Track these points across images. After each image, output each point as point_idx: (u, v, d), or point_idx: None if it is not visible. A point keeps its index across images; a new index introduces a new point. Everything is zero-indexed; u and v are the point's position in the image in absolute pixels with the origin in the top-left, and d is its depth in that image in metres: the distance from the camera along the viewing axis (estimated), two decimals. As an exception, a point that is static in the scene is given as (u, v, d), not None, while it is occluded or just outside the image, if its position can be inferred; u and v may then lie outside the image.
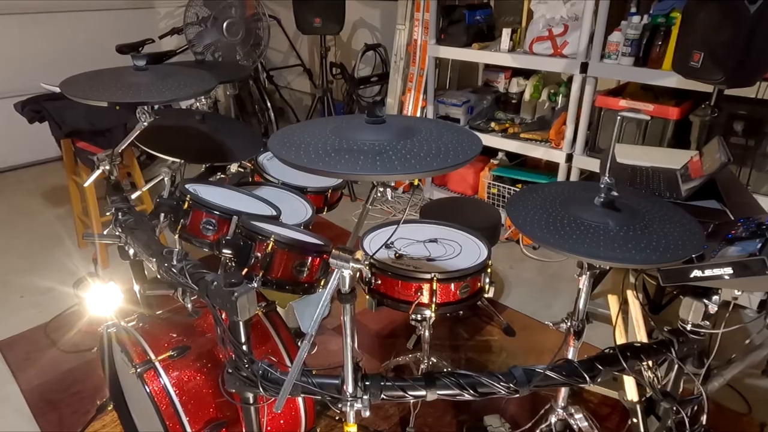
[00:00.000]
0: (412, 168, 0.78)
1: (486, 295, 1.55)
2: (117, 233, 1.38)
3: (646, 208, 1.07)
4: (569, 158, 2.64)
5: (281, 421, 1.38)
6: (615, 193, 1.01)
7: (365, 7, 4.01)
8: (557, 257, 2.70)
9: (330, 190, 1.87)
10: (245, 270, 1.19)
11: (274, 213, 1.49)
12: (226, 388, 1.11)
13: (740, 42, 1.63)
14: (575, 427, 1.31)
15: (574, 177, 2.66)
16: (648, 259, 0.90)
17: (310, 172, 0.78)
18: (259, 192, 1.81)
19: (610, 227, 0.99)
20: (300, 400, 1.41)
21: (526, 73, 3.08)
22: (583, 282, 1.10)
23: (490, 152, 3.21)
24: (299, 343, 1.68)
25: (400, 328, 2.19)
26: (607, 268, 1.92)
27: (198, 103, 2.05)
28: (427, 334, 1.74)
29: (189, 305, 1.14)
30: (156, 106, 1.34)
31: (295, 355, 1.44)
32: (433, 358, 1.81)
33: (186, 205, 1.33)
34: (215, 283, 1.02)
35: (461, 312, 2.24)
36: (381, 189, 0.97)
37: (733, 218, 1.39)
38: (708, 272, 1.07)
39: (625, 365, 1.07)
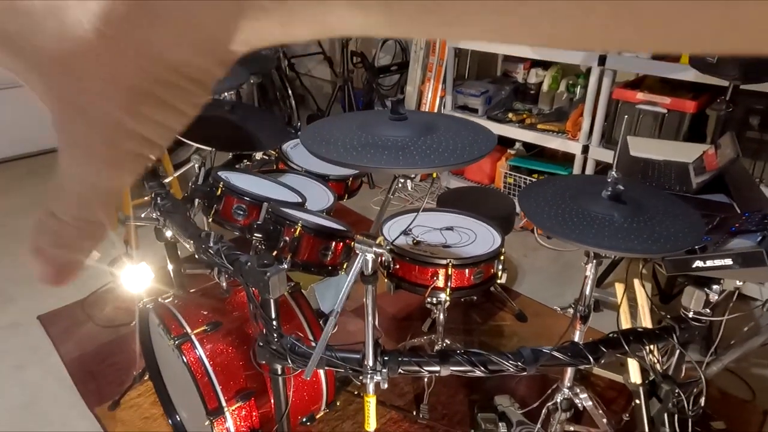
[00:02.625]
0: (431, 162, 0.86)
1: (499, 282, 1.63)
2: (155, 216, 1.48)
3: (651, 202, 1.14)
4: (585, 150, 2.68)
5: (304, 394, 1.49)
6: (621, 187, 1.07)
7: (386, -4, 4.04)
8: (570, 247, 2.75)
9: (351, 178, 1.95)
10: (275, 252, 1.28)
11: (300, 200, 1.59)
12: (257, 360, 1.21)
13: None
14: (580, 405, 1.39)
15: (589, 168, 2.70)
16: (649, 249, 0.97)
17: (341, 166, 0.86)
18: (284, 179, 1.90)
19: (615, 219, 1.06)
20: (322, 374, 1.51)
21: (545, 64, 3.11)
22: (590, 270, 1.17)
23: (507, 142, 3.26)
24: (321, 322, 1.79)
25: (415, 311, 2.28)
26: (617, 258, 1.98)
27: (226, 94, 2.15)
28: (441, 317, 1.83)
29: (224, 284, 1.24)
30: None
31: (318, 332, 1.54)
32: (447, 340, 1.90)
33: (219, 192, 1.43)
34: (249, 263, 1.12)
35: (475, 297, 2.32)
36: (402, 180, 1.05)
37: (739, 212, 1.44)
38: (709, 263, 1.14)
39: (627, 348, 1.15)
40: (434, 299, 1.66)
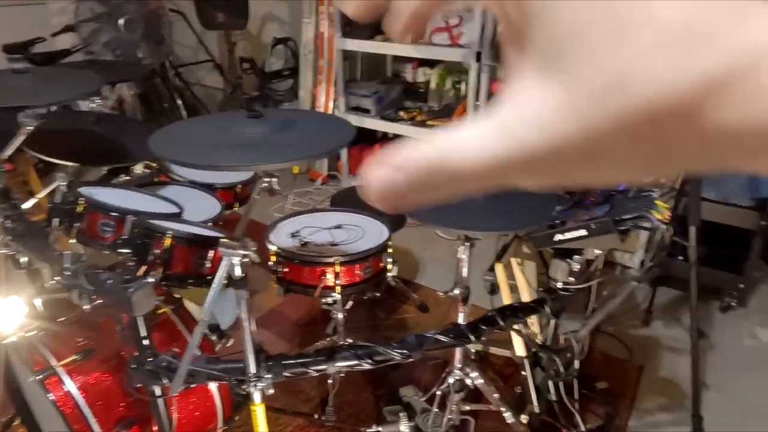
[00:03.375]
0: (286, 156, 0.84)
1: (391, 274, 1.66)
2: (6, 242, 1.34)
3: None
4: (472, 142, 2.81)
5: (197, 413, 1.42)
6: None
7: (273, 1, 3.99)
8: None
9: (239, 186, 1.90)
10: (144, 267, 1.21)
11: (177, 210, 1.51)
12: (132, 384, 1.13)
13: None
14: (471, 385, 1.45)
15: (477, 160, 2.83)
16: (507, 226, 1.03)
17: (187, 167, 0.82)
18: (165, 191, 1.80)
19: (478, 201, 1.11)
20: (215, 391, 1.45)
21: (431, 63, 3.22)
22: (462, 252, 1.22)
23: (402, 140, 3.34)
24: (215, 337, 1.71)
25: (319, 315, 2.26)
26: (509, 239, 2.09)
27: (92, 105, 2.00)
28: (340, 316, 1.82)
29: (87, 307, 1.14)
30: (42, 110, 1.31)
31: (208, 349, 1.48)
32: (349, 339, 1.90)
33: (80, 209, 1.32)
34: (110, 281, 1.04)
35: (378, 294, 2.35)
36: (267, 179, 1.03)
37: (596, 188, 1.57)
38: (568, 235, 1.23)
39: (502, 323, 1.21)
40: (330, 299, 1.66)
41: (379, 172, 0.19)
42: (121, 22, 2.92)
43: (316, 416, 1.73)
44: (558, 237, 1.24)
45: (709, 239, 1.94)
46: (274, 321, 2.26)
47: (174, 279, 1.26)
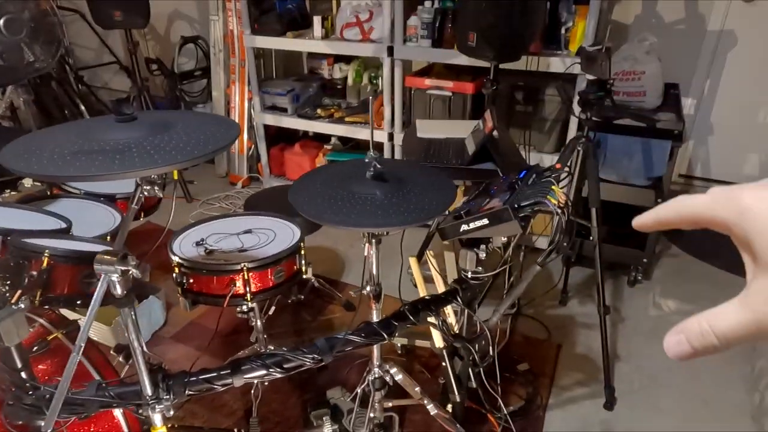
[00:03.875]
0: (153, 162, 0.78)
1: (306, 276, 1.62)
2: None
3: (412, 176, 1.20)
4: (391, 137, 2.82)
5: (100, 443, 1.31)
6: (379, 166, 1.11)
7: (179, -2, 3.80)
8: (393, 232, 2.87)
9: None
10: (19, 292, 1.09)
11: (63, 226, 1.38)
12: (11, 422, 1.02)
13: (502, 23, 1.87)
14: (391, 381, 1.44)
15: (398, 154, 2.84)
16: (405, 220, 1.02)
17: (40, 179, 0.74)
18: (56, 205, 1.66)
19: (377, 197, 1.09)
20: (120, 416, 1.35)
21: (347, 59, 3.19)
22: (367, 250, 1.20)
23: (323, 138, 3.29)
24: (121, 358, 1.59)
25: (240, 324, 2.17)
26: (430, 232, 2.10)
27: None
28: (259, 323, 1.76)
29: (-51, 341, 1.02)
30: None
31: (108, 372, 1.37)
32: (270, 346, 1.84)
33: (-58, 231, 1.18)
34: (-28, 311, 0.93)
35: (302, 297, 2.30)
36: (147, 187, 0.96)
37: (501, 176, 1.61)
38: (472, 225, 1.23)
39: (412, 318, 1.20)
40: (244, 307, 1.60)
41: (674, 342, 0.31)
42: (1, 22, 2.65)
43: (236, 430, 1.66)
44: (464, 227, 1.25)
45: (612, 218, 2.05)
46: (193, 334, 2.15)
47: (57, 301, 1.15)
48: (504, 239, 1.40)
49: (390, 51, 2.60)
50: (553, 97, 2.39)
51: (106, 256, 0.87)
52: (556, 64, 2.29)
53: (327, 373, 1.97)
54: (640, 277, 2.44)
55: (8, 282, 1.13)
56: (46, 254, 1.10)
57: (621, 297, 2.39)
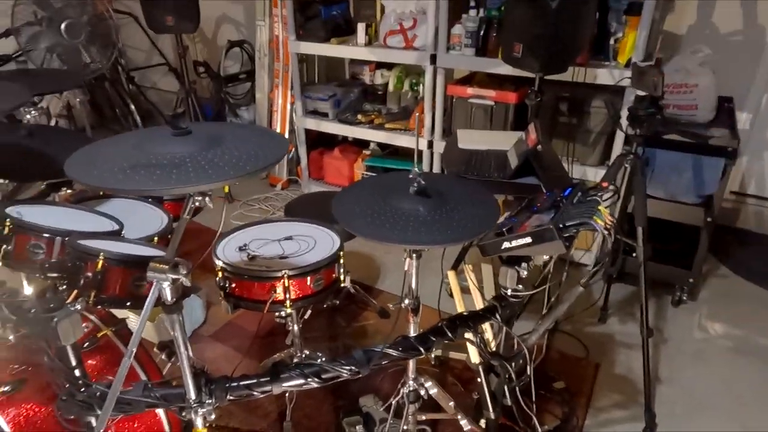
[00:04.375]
0: (208, 178, 0.81)
1: (345, 284, 1.63)
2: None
3: (455, 192, 1.19)
4: (430, 145, 2.81)
5: (142, 439, 1.36)
6: (422, 182, 1.11)
7: (227, 3, 3.90)
8: (429, 238, 2.87)
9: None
10: (75, 292, 1.14)
11: (116, 228, 1.44)
12: (64, 416, 1.07)
13: (548, 34, 1.84)
14: (425, 395, 1.44)
15: (436, 163, 2.83)
16: (448, 238, 1.02)
17: (105, 191, 0.78)
18: (108, 206, 1.73)
19: (420, 213, 1.09)
20: (162, 415, 1.39)
21: (389, 65, 3.20)
22: (408, 264, 1.21)
23: (362, 143, 3.31)
24: (163, 356, 1.65)
25: (276, 326, 2.21)
26: (466, 244, 2.08)
27: (28, 116, 1.90)
28: (296, 328, 1.79)
29: (11, 337, 1.08)
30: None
31: (151, 368, 1.42)
32: (306, 351, 1.86)
33: (6, 230, 1.25)
34: (33, 310, 0.98)
35: (337, 302, 2.32)
36: (199, 198, 0.99)
37: (544, 191, 1.58)
38: (514, 242, 1.22)
39: (450, 334, 1.20)
40: (283, 313, 1.62)
41: None
42: (62, 26, 2.79)
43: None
44: (506, 245, 1.23)
45: (659, 236, 1.99)
46: (231, 334, 2.20)
47: (109, 302, 1.20)
48: (546, 257, 1.38)
49: (433, 59, 2.59)
50: (599, 110, 2.33)
51: (159, 264, 0.90)
52: (603, 75, 2.23)
53: (360, 381, 1.96)
54: (685, 297, 2.35)
55: (66, 282, 1.18)
56: (101, 257, 1.15)
57: (664, 317, 2.31)
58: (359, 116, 3.07)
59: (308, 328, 2.22)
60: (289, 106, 3.31)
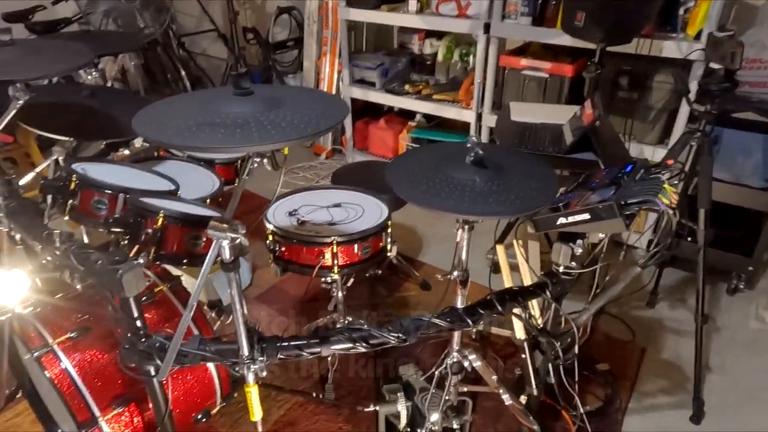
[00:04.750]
0: (271, 138, 0.81)
1: (391, 254, 1.64)
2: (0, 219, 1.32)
3: (513, 164, 1.16)
4: (479, 117, 2.74)
5: (194, 391, 1.42)
6: (480, 152, 1.08)
7: (277, -32, 3.87)
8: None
9: (240, 161, 1.87)
10: (137, 247, 1.19)
11: (172, 188, 1.48)
12: (125, 363, 1.12)
13: (614, 3, 1.74)
14: (469, 367, 1.43)
15: (484, 136, 2.77)
16: (505, 210, 1.00)
17: (170, 147, 0.79)
18: (163, 167, 1.78)
19: (476, 183, 1.07)
20: (213, 369, 1.45)
21: (438, 35, 3.12)
22: (460, 235, 1.19)
23: (408, 114, 3.27)
24: (213, 314, 1.71)
25: (320, 292, 2.25)
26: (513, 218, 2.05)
27: (89, 77, 1.96)
28: (340, 295, 1.81)
29: (78, 286, 1.13)
30: (35, 83, 1.28)
31: (203, 325, 1.47)
32: (349, 317, 1.89)
33: (73, 186, 1.30)
34: (99, 262, 1.02)
35: (379, 271, 2.33)
36: (257, 160, 1.00)
37: (602, 168, 1.52)
38: (571, 219, 1.18)
39: (500, 308, 1.18)
40: (328, 278, 1.64)
41: None
42: (120, -10, 2.84)
43: (314, 394, 1.74)
44: (561, 220, 1.20)
45: (719, 220, 1.89)
46: (275, 297, 2.25)
47: (167, 258, 1.25)
48: (601, 235, 1.33)
49: (486, 28, 2.50)
50: (662, 84, 2.21)
51: (220, 224, 0.92)
52: (670, 48, 2.10)
53: (399, 350, 1.99)
54: (742, 286, 2.24)
55: (127, 237, 1.23)
56: (161, 214, 1.19)
57: (718, 305, 2.22)
58: (406, 86, 3.02)
59: (350, 295, 2.24)
60: (336, 75, 3.29)
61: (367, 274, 2.33)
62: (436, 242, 2.65)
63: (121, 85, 3.90)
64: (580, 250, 1.26)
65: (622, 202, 1.12)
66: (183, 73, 3.97)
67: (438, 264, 2.47)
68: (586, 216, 1.16)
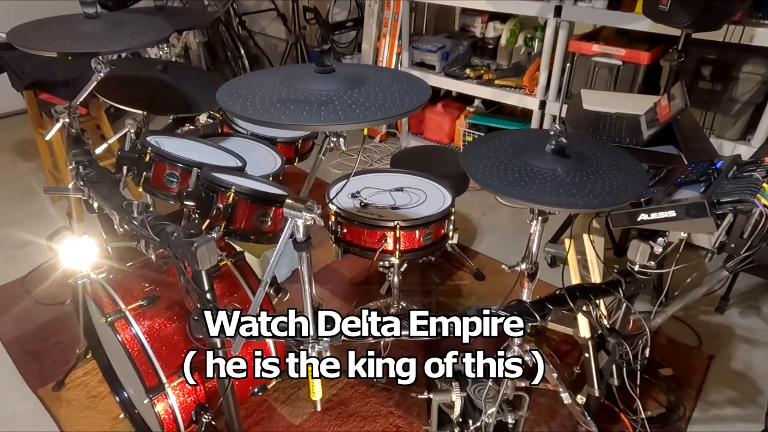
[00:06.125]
0: (356, 118, 0.79)
1: (451, 242, 1.60)
2: (79, 187, 1.37)
3: (596, 155, 1.10)
4: (542, 105, 2.64)
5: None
6: (564, 140, 1.03)
7: (339, -53, 3.83)
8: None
9: (300, 141, 1.87)
10: (208, 221, 1.21)
11: (240, 164, 1.50)
12: (193, 334, 1.15)
13: (707, -16, 1.61)
14: (529, 362, 1.39)
15: (546, 124, 2.67)
16: (590, 204, 0.94)
17: (254, 123, 0.79)
18: (228, 143, 1.80)
19: (558, 174, 1.02)
20: (271, 344, 1.47)
21: (502, 17, 3.02)
22: (534, 226, 1.14)
23: (466, 99, 3.19)
24: (271, 291, 1.73)
25: (373, 274, 2.24)
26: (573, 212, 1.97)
27: (161, 52, 2.00)
28: (396, 279, 1.80)
29: (153, 256, 1.16)
30: (112, 56, 1.31)
31: (266, 304, 1.49)
32: (403, 303, 1.88)
33: (148, 158, 1.33)
34: (175, 234, 1.04)
35: (432, 258, 2.30)
36: (334, 139, 0.98)
37: (686, 163, 1.42)
38: (653, 215, 1.12)
39: (571, 304, 1.14)
40: (386, 262, 1.63)
41: None
42: (188, -33, 2.89)
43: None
44: (642, 217, 1.13)
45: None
46: (329, 277, 2.27)
47: (236, 234, 1.26)
48: (683, 234, 1.25)
49: (557, 11, 2.39)
50: (751, 75, 2.05)
51: (296, 203, 0.91)
52: (762, 36, 1.94)
53: (452, 340, 1.98)
54: (824, 297, 2.08)
55: (198, 211, 1.25)
56: (232, 190, 1.20)
57: (795, 315, 2.07)
58: (467, 71, 2.94)
59: (403, 281, 2.23)
60: (395, 57, 3.25)
61: (420, 261, 2.31)
62: (490, 231, 2.59)
63: (184, 62, 4.00)
64: (660, 249, 1.19)
65: (714, 201, 1.04)
66: (243, 51, 4.02)
67: (492, 254, 2.42)
68: (672, 213, 1.09)
